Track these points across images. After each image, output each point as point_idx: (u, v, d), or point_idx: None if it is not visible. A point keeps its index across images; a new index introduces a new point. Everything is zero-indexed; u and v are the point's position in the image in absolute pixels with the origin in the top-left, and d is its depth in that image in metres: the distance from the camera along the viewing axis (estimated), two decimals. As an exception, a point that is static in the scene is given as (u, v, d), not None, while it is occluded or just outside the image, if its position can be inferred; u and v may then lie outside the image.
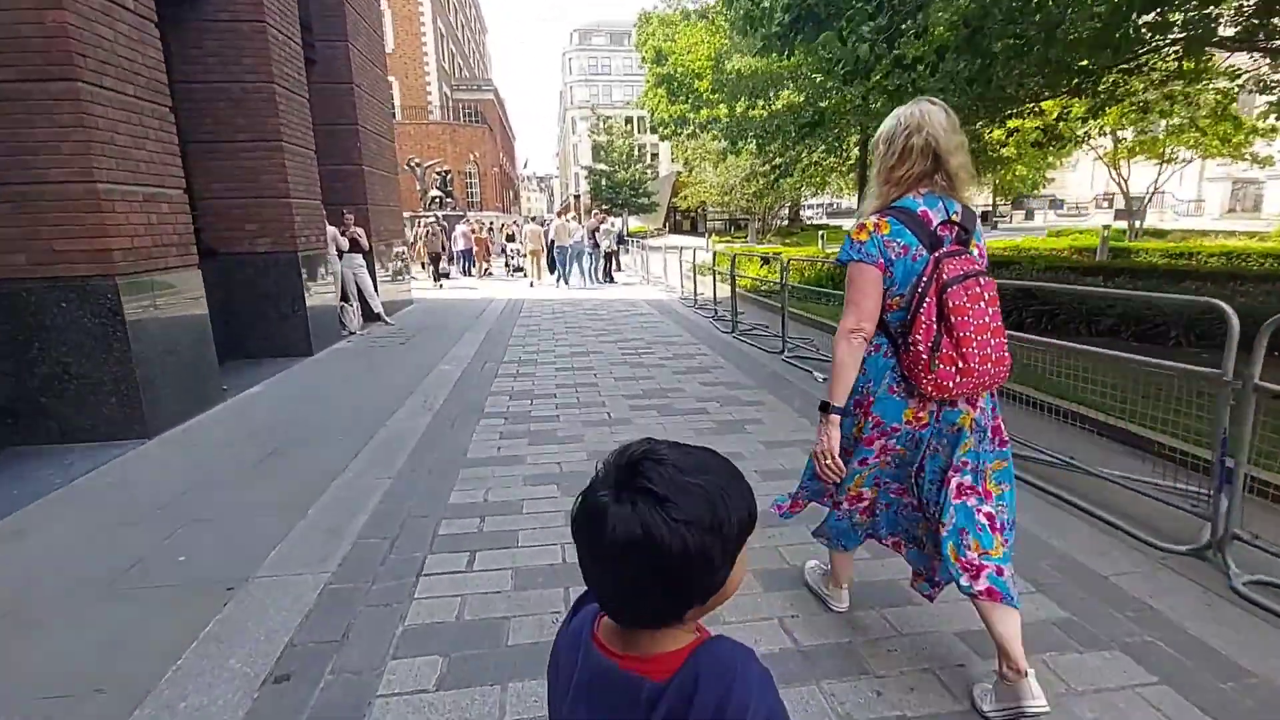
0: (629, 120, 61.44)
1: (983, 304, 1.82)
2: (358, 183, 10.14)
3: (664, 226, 56.62)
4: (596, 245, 16.81)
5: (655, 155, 61.42)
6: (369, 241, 9.80)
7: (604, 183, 49.59)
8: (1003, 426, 2.00)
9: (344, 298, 9.50)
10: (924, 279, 1.82)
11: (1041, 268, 10.03)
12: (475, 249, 18.55)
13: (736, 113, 11.82)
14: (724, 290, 13.89)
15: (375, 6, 11.21)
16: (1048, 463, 3.86)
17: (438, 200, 27.70)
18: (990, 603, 1.83)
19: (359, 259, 9.71)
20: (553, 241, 16.14)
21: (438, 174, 27.87)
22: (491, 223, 27.23)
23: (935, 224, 1.86)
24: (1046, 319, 7.61)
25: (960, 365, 1.79)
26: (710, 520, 0.68)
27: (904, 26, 5.85)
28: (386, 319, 10.06)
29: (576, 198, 69.72)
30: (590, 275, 16.72)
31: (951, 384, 1.82)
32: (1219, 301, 2.85)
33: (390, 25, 32.12)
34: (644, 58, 46.05)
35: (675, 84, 42.41)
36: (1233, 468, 2.84)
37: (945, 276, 1.79)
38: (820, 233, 22.70)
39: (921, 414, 1.94)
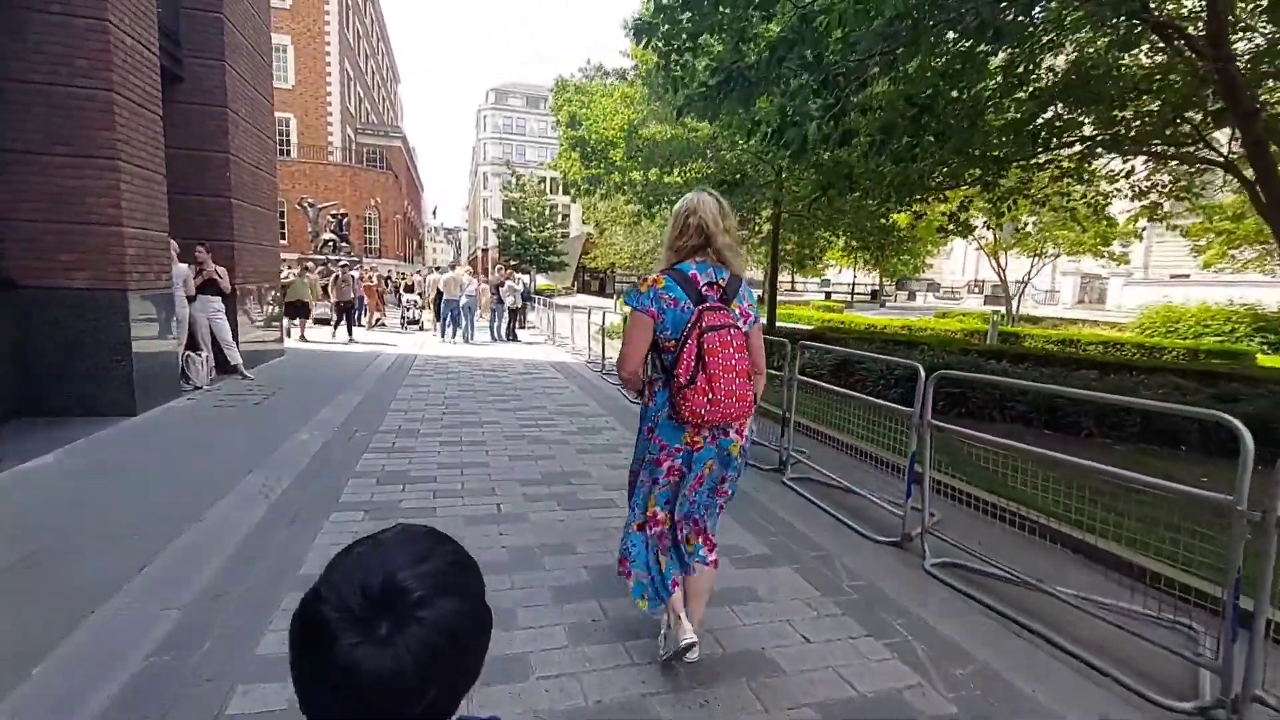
0: (542, 180, 61.68)
1: (731, 349, 2.24)
2: (224, 217, 8.87)
3: (573, 286, 56.39)
4: (500, 301, 15.93)
5: (566, 216, 61.68)
6: (230, 283, 8.49)
7: (514, 239, 48.94)
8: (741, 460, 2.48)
9: (193, 346, 8.09)
10: (689, 325, 2.25)
11: (955, 350, 10.16)
12: (366, 298, 17.14)
13: (650, 179, 11.44)
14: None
15: (263, 30, 10.19)
16: (1009, 581, 3.32)
17: (330, 244, 25.97)
18: (713, 570, 2.51)
19: (216, 302, 8.36)
20: (439, 294, 15.28)
21: (333, 216, 26.22)
22: (389, 272, 25.73)
23: (702, 284, 2.30)
24: (958, 401, 7.48)
25: (710, 396, 2.20)
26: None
27: (851, 101, 5.62)
28: (245, 372, 8.66)
29: (484, 251, 68.57)
30: (494, 331, 15.76)
31: (703, 411, 2.22)
32: (1229, 418, 2.42)
33: (292, 61, 30.65)
34: (559, 120, 46.79)
35: (589, 149, 43.20)
36: (1250, 612, 2.36)
37: (704, 325, 2.22)
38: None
39: (697, 439, 2.34)
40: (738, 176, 11.00)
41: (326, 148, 31.14)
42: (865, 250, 12.21)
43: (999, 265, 19.22)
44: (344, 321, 14.19)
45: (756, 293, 2.19)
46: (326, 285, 18.15)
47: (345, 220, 27.01)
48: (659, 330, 2.31)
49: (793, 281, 48.25)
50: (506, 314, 15.87)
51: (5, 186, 5.62)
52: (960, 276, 66.91)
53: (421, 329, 16.79)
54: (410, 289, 16.78)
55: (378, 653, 0.60)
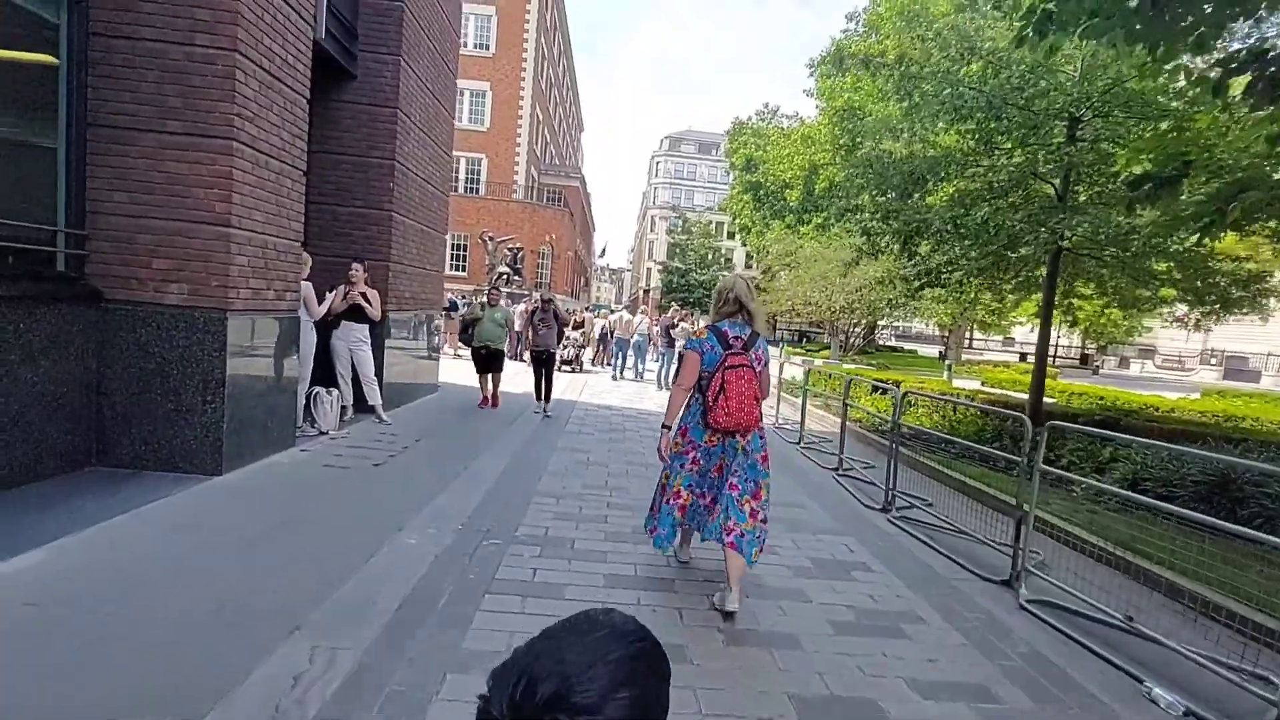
0: (710, 223, 60.56)
1: (744, 381, 3.29)
2: (382, 232, 7.54)
3: (732, 330, 54.01)
4: (671, 344, 13.87)
5: (729, 259, 59.82)
6: (379, 308, 7.06)
7: (677, 281, 47.85)
8: (768, 456, 3.49)
9: (328, 380, 6.66)
10: (719, 363, 3.32)
11: None
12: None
13: (879, 203, 8.79)
14: (824, 419, 10.64)
15: (449, 31, 9.05)
16: None
17: (504, 277, 25.76)
18: (732, 551, 3.24)
19: (360, 330, 6.95)
20: (609, 333, 13.74)
21: (509, 250, 26.08)
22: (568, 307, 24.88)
23: (730, 337, 3.39)
24: None
25: (727, 409, 3.27)
26: None
27: None
28: (382, 414, 7.13)
29: (646, 291, 68.50)
30: (663, 380, 13.71)
31: (724, 418, 3.29)
32: None
33: (489, 104, 31.79)
34: (733, 164, 45.34)
35: (763, 191, 41.05)
36: None
37: (728, 364, 3.30)
38: (945, 361, 19.08)
39: (713, 439, 3.45)
40: (1008, 199, 8.06)
41: (511, 185, 31.74)
42: (1200, 302, 8.54)
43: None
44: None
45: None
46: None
47: (520, 254, 26.86)
48: (703, 365, 3.38)
49: (970, 338, 42.08)
50: (677, 359, 13.78)
51: (99, 171, 4.32)
52: (1183, 343, 55.88)
53: (579, 370, 15.09)
54: (579, 325, 15.29)
55: None
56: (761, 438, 3.44)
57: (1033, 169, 8.28)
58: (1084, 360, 45.30)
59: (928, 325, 53.31)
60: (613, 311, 19.42)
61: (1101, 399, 12.34)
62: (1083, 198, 8.43)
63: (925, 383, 11.79)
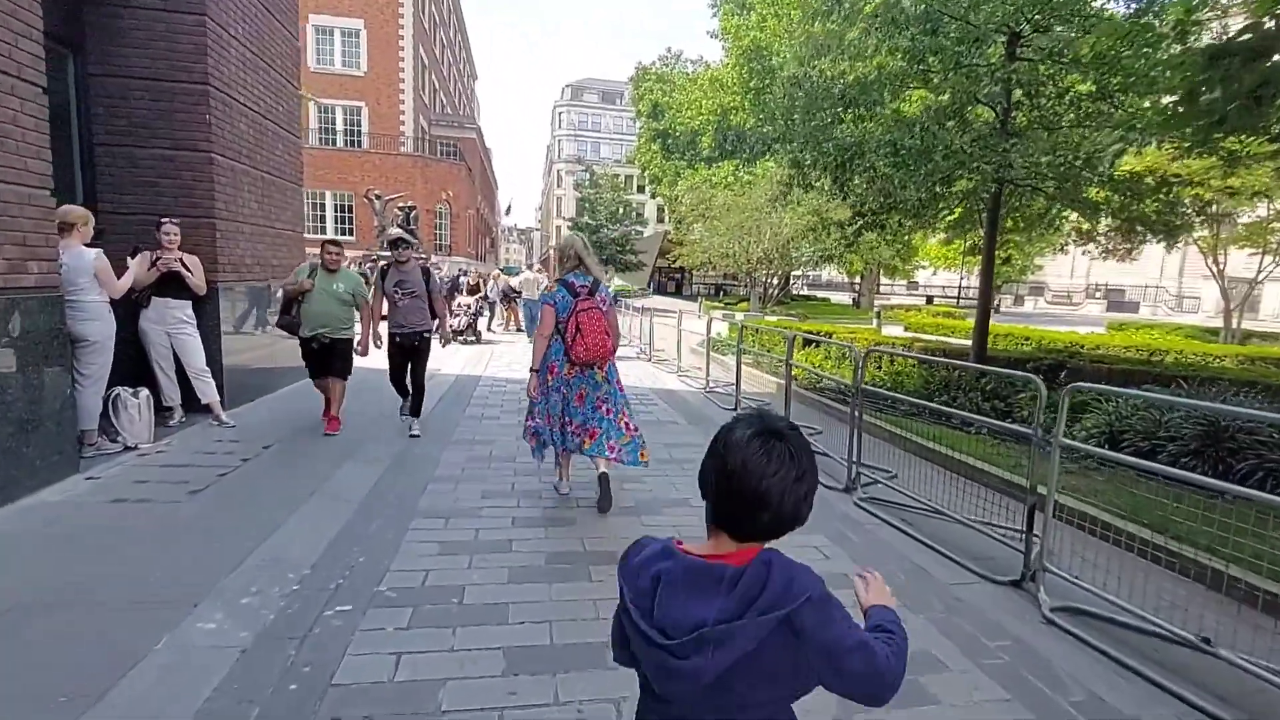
0: (617, 176, 58.85)
1: (595, 320, 3.90)
2: (200, 179, 5.90)
3: (649, 287, 53.26)
4: (584, 305, 12.73)
5: (640, 214, 58.53)
6: (204, 278, 5.51)
7: (588, 238, 46.36)
8: (622, 383, 4.24)
9: (134, 378, 5.13)
10: (571, 310, 3.90)
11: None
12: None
13: (809, 129, 7.82)
14: (758, 379, 9.90)
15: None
16: None
17: (400, 241, 23.52)
18: (617, 461, 4.06)
19: (182, 309, 5.42)
20: (515, 295, 12.45)
21: (400, 209, 23.73)
22: (460, 270, 22.88)
23: (577, 286, 3.97)
24: None
25: (585, 345, 3.88)
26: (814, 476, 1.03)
27: None
28: (221, 415, 5.66)
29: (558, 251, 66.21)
30: (574, 344, 12.58)
31: (583, 353, 3.90)
32: None
33: (365, 45, 28.57)
34: (639, 111, 43.64)
35: (672, 140, 39.80)
36: None
37: (578, 308, 3.89)
38: (873, 310, 18.75)
39: (572, 371, 4.03)
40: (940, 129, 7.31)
41: (399, 138, 28.95)
42: (1155, 231, 8.15)
43: (1218, 266, 14.67)
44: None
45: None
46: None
47: (414, 214, 24.54)
48: (557, 313, 3.95)
49: (876, 284, 43.04)
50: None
51: None
52: (1069, 279, 59.98)
53: (477, 340, 13.52)
54: (475, 289, 13.62)
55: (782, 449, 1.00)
56: (613, 367, 4.22)
57: (972, 91, 7.56)
58: (985, 299, 47.65)
59: (839, 273, 54.42)
60: (518, 273, 17.96)
61: (1028, 339, 12.32)
62: (1021, 121, 7.82)
63: (857, 333, 11.26)
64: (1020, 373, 3.72)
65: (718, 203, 26.22)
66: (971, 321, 21.55)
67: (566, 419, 4.06)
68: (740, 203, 24.77)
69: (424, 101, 32.31)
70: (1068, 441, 3.08)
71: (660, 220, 63.08)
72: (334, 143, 28.74)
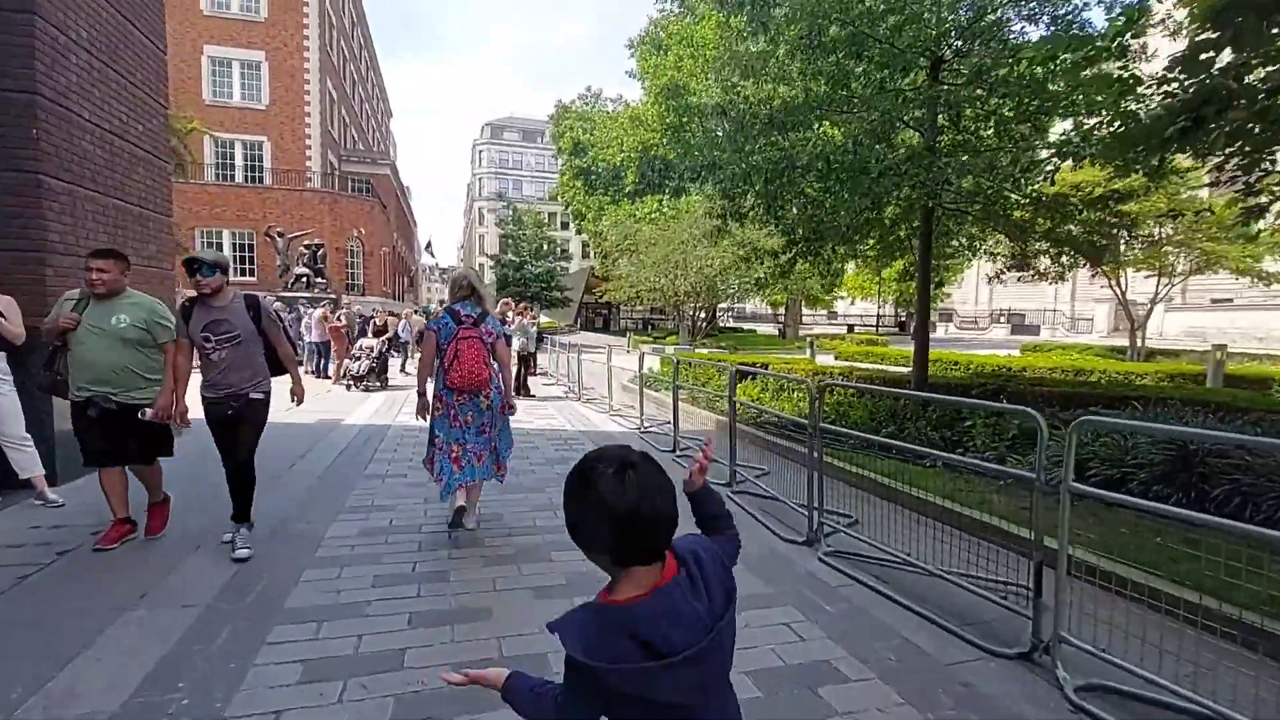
0: (540, 213, 58.45)
1: (474, 349, 4.07)
2: (27, 205, 4.87)
3: (575, 323, 52.68)
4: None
5: (565, 250, 58.11)
6: (20, 324, 4.48)
7: (511, 274, 45.28)
8: (506, 406, 4.38)
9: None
10: (453, 337, 4.07)
11: (1215, 408, 6.18)
12: (333, 344, 13.10)
13: (744, 154, 7.47)
14: (694, 415, 9.36)
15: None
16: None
17: (304, 280, 22.04)
18: (496, 479, 4.42)
19: (-9, 363, 4.36)
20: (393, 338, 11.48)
21: (306, 247, 22.34)
22: (374, 311, 21.50)
23: (462, 315, 4.14)
24: None
25: (460, 373, 4.04)
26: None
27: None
28: (46, 493, 4.56)
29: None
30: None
31: (458, 379, 4.05)
32: None
33: (266, 78, 27.08)
34: (560, 148, 43.50)
35: (594, 176, 39.77)
36: None
37: (459, 336, 4.07)
38: (808, 340, 18.63)
39: (461, 398, 4.17)
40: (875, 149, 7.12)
41: (305, 173, 27.43)
42: (1083, 253, 8.17)
43: (1119, 287, 15.42)
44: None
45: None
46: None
47: (321, 253, 23.10)
48: (440, 339, 4.12)
49: (800, 314, 43.79)
50: (515, 360, 11.84)
51: None
52: (973, 306, 63.48)
53: (383, 387, 12.02)
54: (381, 330, 12.40)
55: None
56: (498, 393, 4.31)
57: (897, 115, 7.44)
58: (902, 327, 49.49)
59: (761, 304, 55.40)
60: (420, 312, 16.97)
61: (957, 364, 12.42)
62: (945, 143, 7.76)
63: (793, 363, 10.97)
64: (1017, 406, 3.27)
65: (643, 237, 26.07)
66: (896, 348, 22.00)
67: (451, 441, 4.22)
68: (666, 236, 24.69)
69: (333, 137, 30.94)
70: (1081, 487, 2.59)
71: (585, 256, 62.92)
72: (233, 178, 26.94)
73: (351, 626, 2.95)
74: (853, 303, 60.87)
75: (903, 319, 53.71)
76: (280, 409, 8.97)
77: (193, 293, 3.86)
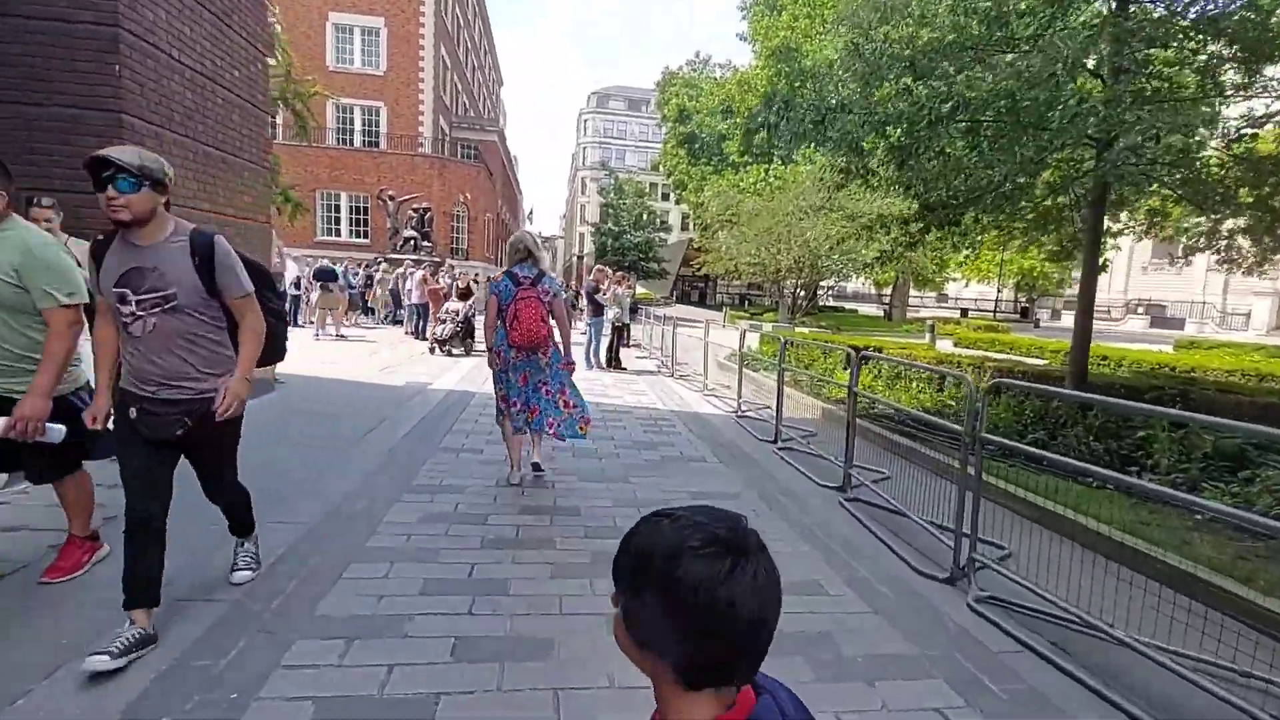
0: (649, 185, 57.74)
1: (532, 308, 4.18)
2: (106, 146, 4.63)
3: (671, 295, 51.94)
4: (599, 312, 11.34)
5: (664, 221, 57.20)
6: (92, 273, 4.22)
7: (610, 243, 45.02)
8: (567, 364, 4.47)
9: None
10: (513, 299, 4.20)
11: None
12: (431, 305, 13.02)
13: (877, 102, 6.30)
14: (799, 403, 8.39)
15: None
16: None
17: (411, 242, 22.49)
18: (556, 435, 4.44)
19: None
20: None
21: (414, 211, 22.74)
22: (476, 275, 21.55)
23: (520, 276, 4.26)
24: None
25: (520, 330, 4.17)
26: None
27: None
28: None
29: (580, 258, 65.35)
30: (590, 356, 11.17)
31: (518, 337, 4.18)
32: None
33: (384, 44, 27.67)
34: (664, 116, 42.34)
35: (698, 144, 38.41)
36: None
37: (518, 297, 4.19)
38: (930, 325, 16.95)
39: (519, 356, 4.29)
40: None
41: (417, 138, 27.98)
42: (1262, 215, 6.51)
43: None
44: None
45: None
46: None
47: (429, 216, 23.49)
48: (501, 301, 4.24)
49: (895, 295, 40.45)
50: (609, 330, 11.25)
51: None
52: (1105, 294, 57.20)
53: (466, 354, 11.46)
54: (466, 294, 12.02)
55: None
56: (557, 350, 4.46)
57: (1074, 56, 6.04)
58: (1024, 314, 45.35)
59: (864, 284, 52.04)
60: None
61: (1105, 359, 10.68)
62: (1128, 91, 6.28)
63: (912, 349, 9.72)
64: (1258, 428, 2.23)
65: (745, 209, 24.76)
66: (1023, 337, 19.69)
67: (513, 397, 4.40)
68: (770, 208, 23.28)
69: (445, 103, 31.38)
70: None
71: (684, 228, 61.81)
72: (351, 142, 27.86)
73: (385, 651, 2.38)
74: (966, 285, 56.33)
75: (1024, 305, 49.21)
76: (374, 367, 8.71)
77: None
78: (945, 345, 15.51)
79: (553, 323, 4.35)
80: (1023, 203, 6.95)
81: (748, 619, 0.74)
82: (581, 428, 4.45)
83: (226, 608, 2.62)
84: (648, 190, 55.90)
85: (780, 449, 6.03)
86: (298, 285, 14.67)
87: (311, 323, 13.36)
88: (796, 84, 28.37)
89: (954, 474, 3.56)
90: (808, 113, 17.67)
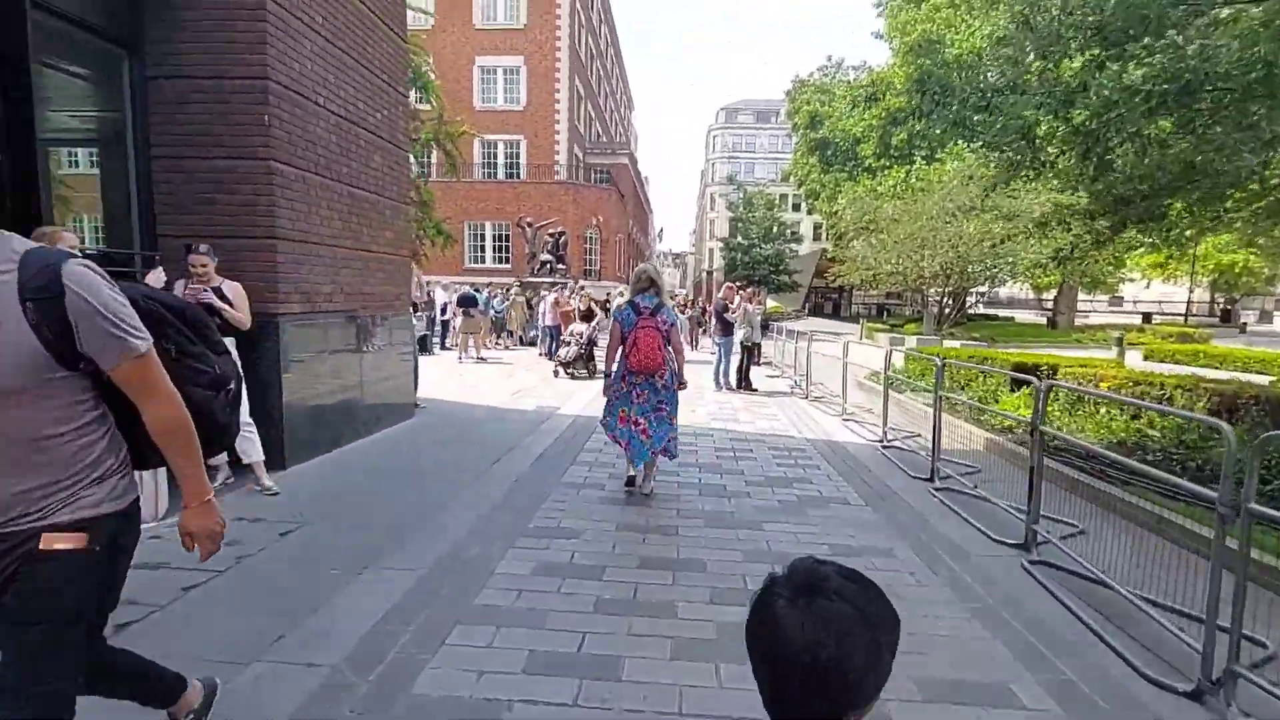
0: (779, 196, 56.34)
1: (650, 336, 4.51)
2: (259, 193, 4.85)
3: (803, 308, 50.02)
4: (727, 331, 10.79)
5: (795, 233, 55.23)
6: (247, 311, 4.40)
7: (740, 258, 44.16)
8: (674, 391, 4.76)
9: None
10: (634, 327, 4.56)
11: None
12: (563, 327, 13.16)
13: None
14: (956, 431, 7.29)
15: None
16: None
17: (547, 265, 23.20)
18: (665, 454, 4.77)
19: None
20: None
21: (550, 235, 23.47)
22: (608, 295, 21.80)
23: (641, 306, 4.60)
24: None
25: (638, 357, 4.50)
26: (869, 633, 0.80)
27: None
28: (264, 478, 4.49)
29: (709, 274, 64.95)
30: (719, 376, 10.65)
31: (636, 363, 4.52)
32: None
33: (524, 81, 29.10)
34: (795, 124, 40.94)
35: (832, 151, 36.71)
36: None
37: (638, 325, 4.55)
38: (1119, 338, 14.76)
39: (637, 379, 4.65)
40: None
41: (553, 166, 29.07)
42: None
43: None
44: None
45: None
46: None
47: (563, 239, 24.17)
48: (622, 329, 4.62)
49: (1060, 300, 35.40)
50: (738, 349, 10.66)
51: None
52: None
53: (590, 376, 11.05)
54: (589, 315, 11.92)
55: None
56: (672, 375, 4.75)
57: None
58: (1225, 317, 38.67)
59: (1020, 288, 46.46)
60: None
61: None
62: None
63: (1094, 366, 8.24)
64: None
65: (884, 214, 23.12)
66: (1232, 347, 16.34)
67: (629, 416, 4.69)
68: (912, 211, 21.55)
69: (579, 131, 32.41)
70: None
71: (816, 238, 59.45)
72: (495, 175, 29.49)
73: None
74: (1148, 285, 48.90)
75: (1225, 306, 42.01)
76: (508, 391, 8.77)
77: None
78: (1134, 358, 13.23)
79: (669, 350, 4.72)
80: (1252, 186, 5.53)
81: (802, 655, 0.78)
82: (673, 443, 4.84)
83: (326, 674, 2.41)
84: (778, 202, 54.44)
85: (938, 490, 5.17)
86: (444, 311, 15.49)
87: (455, 345, 14.00)
88: (941, 72, 26.20)
89: (1183, 537, 2.67)
90: (970, 96, 15.96)
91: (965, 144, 22.04)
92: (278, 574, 3.25)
